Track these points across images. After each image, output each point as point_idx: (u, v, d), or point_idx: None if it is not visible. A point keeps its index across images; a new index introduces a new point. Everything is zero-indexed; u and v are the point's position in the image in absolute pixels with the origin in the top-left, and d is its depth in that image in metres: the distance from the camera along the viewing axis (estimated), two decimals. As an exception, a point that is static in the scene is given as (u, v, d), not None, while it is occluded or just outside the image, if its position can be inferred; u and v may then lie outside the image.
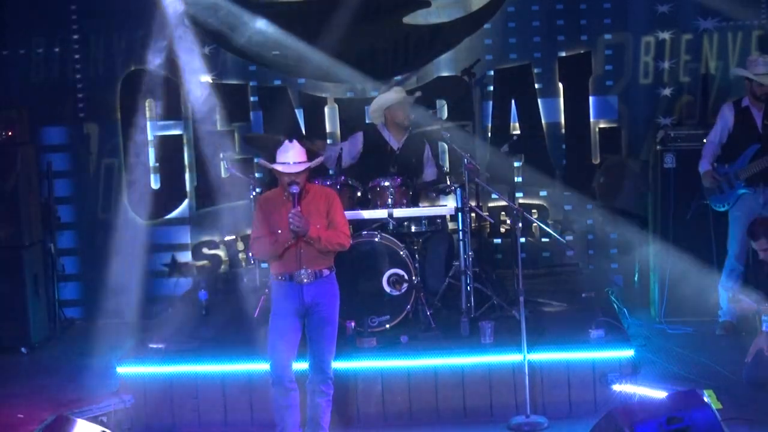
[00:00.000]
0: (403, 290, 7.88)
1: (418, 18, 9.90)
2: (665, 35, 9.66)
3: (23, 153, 9.32)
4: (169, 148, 10.11)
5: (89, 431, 6.30)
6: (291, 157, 6.69)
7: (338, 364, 7.05)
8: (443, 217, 8.60)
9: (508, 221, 9.68)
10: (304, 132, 9.82)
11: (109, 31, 9.87)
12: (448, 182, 8.36)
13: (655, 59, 9.70)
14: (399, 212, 8.11)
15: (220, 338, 8.10)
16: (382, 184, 8.18)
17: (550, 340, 7.60)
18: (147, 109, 10.04)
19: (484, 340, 7.57)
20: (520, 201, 9.58)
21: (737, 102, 8.52)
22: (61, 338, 9.54)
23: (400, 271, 7.88)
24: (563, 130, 9.90)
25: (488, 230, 9.89)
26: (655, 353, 8.05)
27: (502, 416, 7.27)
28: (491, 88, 9.91)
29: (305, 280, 6.70)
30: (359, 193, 8.27)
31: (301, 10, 9.90)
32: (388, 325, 7.86)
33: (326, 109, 10.01)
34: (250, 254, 9.00)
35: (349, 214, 7.43)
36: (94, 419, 7.20)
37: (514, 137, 9.65)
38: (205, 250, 10.15)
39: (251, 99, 10.06)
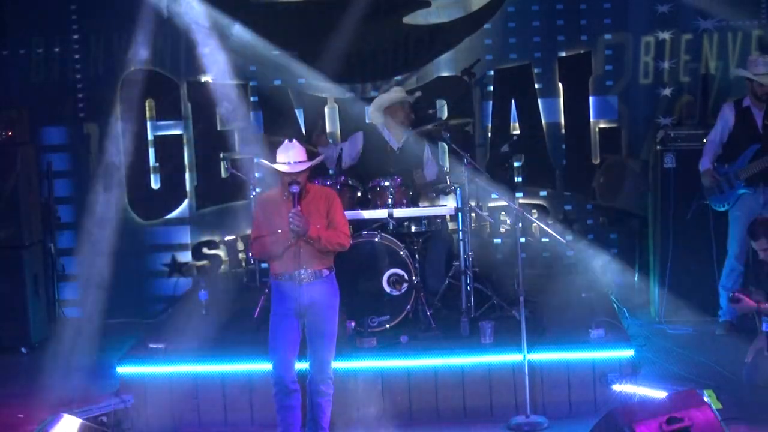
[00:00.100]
0: (403, 290, 7.87)
1: (418, 18, 9.91)
2: (665, 35, 9.66)
3: (23, 153, 9.32)
4: (169, 148, 10.11)
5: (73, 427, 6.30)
6: (291, 156, 6.69)
7: (338, 364, 7.05)
8: (443, 217, 8.60)
9: (508, 221, 9.68)
10: (304, 132, 9.82)
11: (109, 31, 9.86)
12: (448, 182, 8.35)
13: (655, 59, 9.71)
14: (399, 212, 8.11)
15: (220, 338, 8.09)
16: (382, 184, 8.18)
17: (550, 340, 7.60)
18: (147, 109, 10.05)
19: (484, 340, 7.57)
20: (520, 201, 9.58)
21: (738, 102, 8.52)
22: (61, 338, 9.53)
23: (400, 271, 7.88)
24: (563, 130, 9.91)
25: (488, 230, 9.89)
26: (655, 353, 8.05)
27: (502, 416, 7.26)
28: (491, 88, 9.92)
29: (305, 280, 6.70)
30: (359, 193, 8.27)
31: (300, 11, 9.89)
32: (388, 325, 7.86)
33: (326, 109, 10.02)
34: (250, 254, 9.00)
35: (349, 214, 7.43)
36: (94, 419, 7.22)
37: (514, 137, 9.66)
38: (205, 250, 10.16)
39: (251, 99, 10.06)
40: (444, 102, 9.90)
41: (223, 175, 9.89)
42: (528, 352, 7.22)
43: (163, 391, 7.52)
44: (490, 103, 9.92)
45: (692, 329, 8.66)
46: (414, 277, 7.87)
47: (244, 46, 9.81)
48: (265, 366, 7.12)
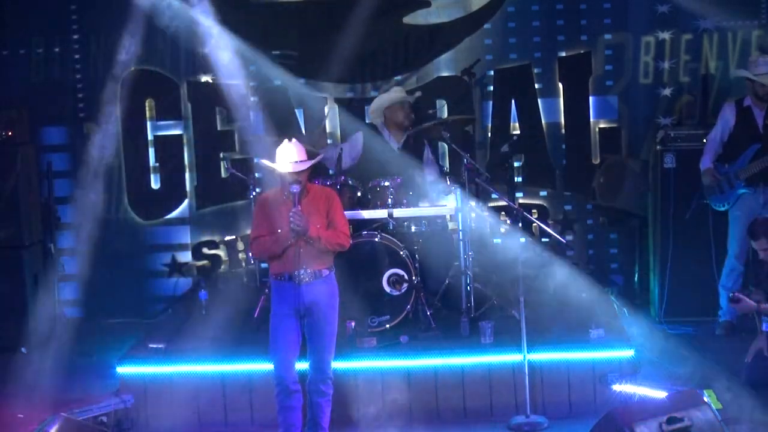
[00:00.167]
0: (403, 290, 7.87)
1: (418, 18, 9.90)
2: (665, 35, 9.66)
3: (23, 153, 9.33)
4: (169, 148, 10.11)
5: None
6: (292, 156, 6.69)
7: (338, 364, 7.05)
8: (443, 217, 8.60)
9: (508, 221, 9.68)
10: (303, 132, 9.83)
11: (109, 31, 9.86)
12: (448, 182, 8.35)
13: (655, 59, 9.70)
14: (399, 212, 8.11)
15: (220, 338, 8.09)
16: (382, 184, 8.18)
17: (550, 340, 7.60)
18: (147, 109, 10.05)
19: (484, 340, 7.57)
20: (520, 201, 9.58)
21: (739, 101, 8.52)
22: (61, 338, 9.53)
23: (400, 271, 7.88)
24: (563, 130, 9.90)
25: (488, 230, 9.87)
26: (655, 353, 8.05)
27: (502, 416, 7.27)
28: (491, 88, 9.92)
29: (305, 280, 6.70)
30: (359, 193, 8.26)
31: (300, 11, 9.89)
32: (388, 325, 7.86)
33: (326, 109, 10.01)
34: (250, 254, 9.00)
35: (349, 214, 7.43)
36: (94, 419, 7.22)
37: (514, 137, 9.66)
38: (205, 250, 10.16)
39: (251, 99, 10.06)
40: (444, 102, 9.90)
41: (223, 175, 9.90)
42: (528, 352, 7.22)
43: (163, 391, 7.51)
44: (490, 103, 9.92)
45: (692, 329, 8.66)
46: (414, 277, 7.87)
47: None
48: (265, 366, 7.13)
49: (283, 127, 9.52)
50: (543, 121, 9.88)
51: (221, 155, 9.95)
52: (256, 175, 9.49)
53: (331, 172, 8.65)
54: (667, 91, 9.69)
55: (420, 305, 7.92)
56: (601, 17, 9.78)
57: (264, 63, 9.80)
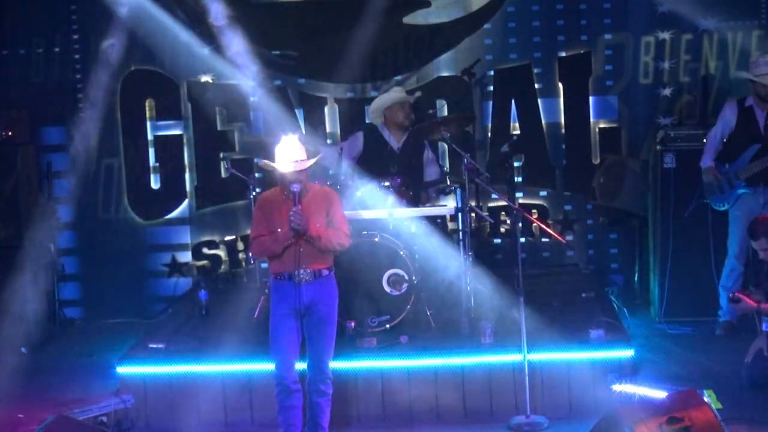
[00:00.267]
0: (403, 290, 7.87)
1: (418, 18, 9.90)
2: (665, 35, 9.66)
3: (23, 153, 9.32)
4: (169, 148, 10.11)
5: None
6: (291, 155, 6.68)
7: (338, 364, 7.05)
8: (443, 217, 8.60)
9: (508, 221, 9.68)
10: (303, 132, 9.82)
11: (109, 31, 9.85)
12: (448, 182, 8.35)
13: (655, 59, 9.70)
14: (399, 212, 8.11)
15: (220, 338, 8.09)
16: (382, 184, 8.18)
17: (550, 340, 7.60)
18: (147, 109, 10.05)
19: (484, 340, 7.57)
20: (520, 201, 9.58)
21: (741, 101, 8.51)
22: (61, 338, 9.53)
23: (400, 271, 7.88)
24: (563, 130, 9.90)
25: (488, 230, 9.89)
26: (655, 353, 8.05)
27: (502, 416, 7.26)
28: (491, 88, 9.92)
29: (304, 280, 6.69)
30: (359, 193, 8.25)
31: (300, 10, 9.89)
32: (388, 325, 7.85)
33: (326, 109, 10.02)
34: (250, 254, 9.00)
35: (349, 214, 7.43)
36: (94, 419, 7.22)
37: (514, 137, 9.66)
38: (205, 250, 10.16)
39: (251, 99, 10.06)
40: (444, 102, 9.90)
41: (223, 175, 9.90)
42: (528, 352, 7.22)
43: (162, 391, 7.51)
44: (490, 103, 9.92)
45: (692, 329, 8.66)
46: (414, 277, 7.87)
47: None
48: (265, 366, 7.13)
49: (283, 127, 9.52)
50: (543, 121, 9.88)
51: (221, 155, 9.95)
52: (256, 175, 9.50)
53: (331, 172, 8.66)
54: (667, 91, 9.69)
55: (420, 305, 7.92)
56: (601, 17, 9.78)
57: (264, 63, 9.83)
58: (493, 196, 9.06)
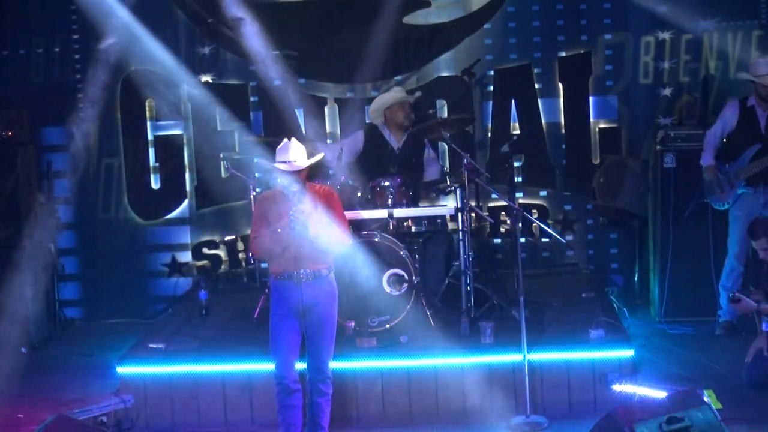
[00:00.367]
0: (403, 290, 7.87)
1: (418, 18, 9.90)
2: (665, 35, 9.66)
3: (23, 153, 9.32)
4: (169, 148, 10.11)
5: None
6: (291, 155, 6.69)
7: (338, 364, 7.05)
8: (443, 217, 8.60)
9: (508, 221, 9.68)
10: (303, 132, 9.83)
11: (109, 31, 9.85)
12: (448, 182, 8.35)
13: (655, 59, 9.70)
14: (399, 212, 8.11)
15: (220, 338, 8.10)
16: (382, 184, 8.18)
17: (550, 340, 7.60)
18: (147, 109, 10.05)
19: (484, 340, 7.57)
20: (520, 201, 9.58)
21: (743, 100, 8.50)
22: (61, 338, 9.53)
23: (400, 271, 7.88)
24: (563, 130, 9.90)
25: (488, 230, 9.89)
26: (655, 353, 8.05)
27: (502, 416, 7.26)
28: (491, 88, 9.91)
29: (304, 280, 6.69)
30: (359, 193, 8.26)
31: (300, 10, 9.89)
32: (388, 325, 7.85)
33: (326, 109, 10.02)
34: (250, 254, 9.00)
35: (349, 214, 7.43)
36: (94, 419, 7.22)
37: (514, 137, 9.66)
38: (205, 250, 10.16)
39: (251, 99, 10.07)
40: (444, 102, 9.90)
41: (223, 175, 9.89)
42: (528, 352, 7.22)
43: (163, 391, 7.51)
44: (490, 103, 9.92)
45: (692, 329, 8.65)
46: (414, 277, 7.87)
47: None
48: (265, 366, 7.13)
49: (283, 127, 9.53)
50: (543, 121, 9.88)
51: (221, 155, 9.95)
52: (256, 175, 9.50)
53: (331, 172, 8.66)
54: (667, 91, 9.68)
55: (420, 305, 7.92)
56: (601, 17, 9.78)
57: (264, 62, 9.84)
58: (493, 196, 9.06)
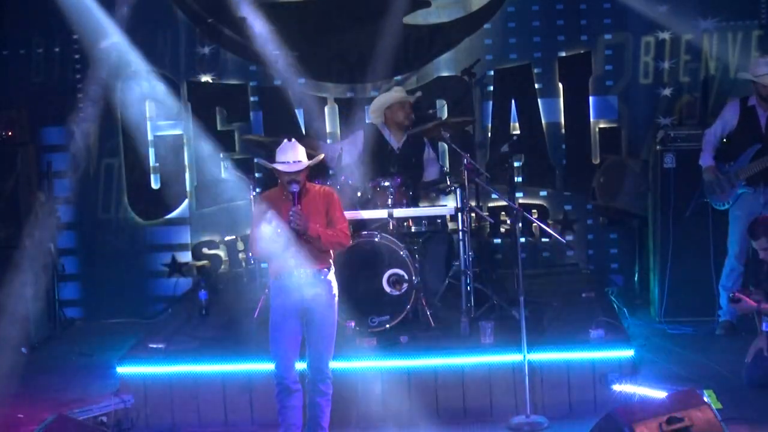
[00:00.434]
0: (403, 290, 7.87)
1: (418, 18, 9.90)
2: (665, 35, 9.66)
3: (23, 153, 9.32)
4: (169, 148, 10.11)
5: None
6: (291, 156, 6.69)
7: (338, 364, 7.05)
8: (443, 217, 8.60)
9: (508, 221, 9.68)
10: (303, 132, 9.83)
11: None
12: (448, 182, 8.35)
13: (655, 59, 9.70)
14: (399, 212, 8.11)
15: (220, 338, 8.10)
16: (382, 184, 8.18)
17: (550, 340, 7.60)
18: (147, 109, 10.05)
19: (484, 340, 7.57)
20: (520, 201, 9.58)
21: (744, 100, 8.50)
22: (61, 338, 9.53)
23: (400, 271, 7.88)
24: (563, 130, 9.90)
25: (488, 230, 9.89)
26: (655, 353, 8.05)
27: (502, 416, 7.26)
28: (491, 88, 9.92)
29: (304, 280, 6.70)
30: (359, 193, 8.26)
31: (300, 10, 9.89)
32: (388, 325, 7.85)
33: (326, 109, 10.02)
34: (250, 254, 9.00)
35: (349, 214, 7.43)
36: (94, 419, 7.22)
37: (514, 137, 9.66)
38: (205, 250, 10.16)
39: (251, 99, 10.07)
40: (444, 102, 9.90)
41: (223, 175, 9.89)
42: (528, 352, 7.22)
43: (163, 391, 7.51)
44: (490, 103, 9.92)
45: (692, 329, 8.65)
46: (414, 277, 7.87)
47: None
48: (265, 366, 7.13)
49: (283, 127, 9.54)
50: (543, 121, 9.88)
51: (221, 155, 9.95)
52: (256, 175, 9.50)
53: (331, 172, 8.66)
54: (667, 91, 9.69)
55: (420, 305, 7.93)
56: (601, 17, 9.78)
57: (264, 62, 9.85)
58: (493, 196, 9.06)
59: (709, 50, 9.63)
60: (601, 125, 9.87)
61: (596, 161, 9.84)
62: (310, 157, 6.88)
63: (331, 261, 6.85)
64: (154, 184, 10.12)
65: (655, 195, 9.04)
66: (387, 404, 7.38)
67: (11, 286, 9.01)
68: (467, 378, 7.40)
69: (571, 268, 9.86)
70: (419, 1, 9.86)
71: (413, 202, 8.31)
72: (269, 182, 9.00)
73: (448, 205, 8.62)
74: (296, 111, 9.97)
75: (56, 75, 10.02)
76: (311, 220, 6.66)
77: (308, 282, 6.70)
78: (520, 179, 9.77)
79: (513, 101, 9.89)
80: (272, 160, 6.79)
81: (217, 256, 10.14)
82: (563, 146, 9.93)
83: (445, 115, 9.76)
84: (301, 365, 6.90)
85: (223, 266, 10.13)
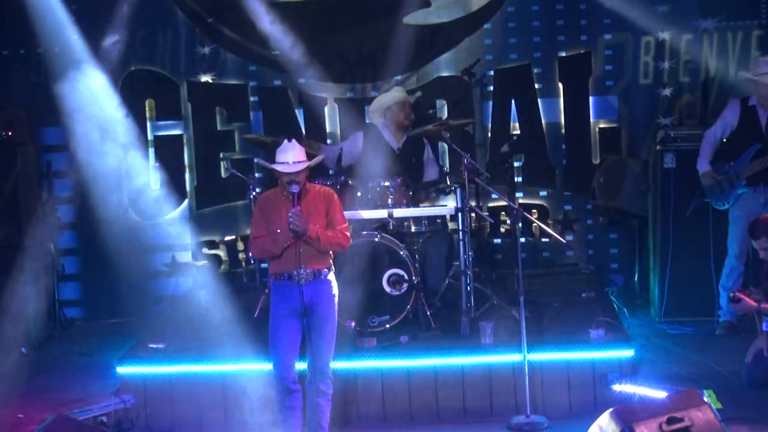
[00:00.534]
0: (403, 290, 7.87)
1: (418, 18, 9.90)
2: (665, 35, 9.65)
3: (23, 153, 9.31)
4: (169, 148, 10.11)
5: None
6: (290, 156, 6.69)
7: (338, 364, 7.05)
8: (443, 217, 8.60)
9: (508, 221, 9.68)
10: (303, 132, 9.83)
11: (108, 31, 9.84)
12: (448, 182, 8.35)
13: (655, 59, 9.70)
14: (399, 212, 8.11)
15: (220, 338, 8.09)
16: (382, 184, 8.18)
17: (550, 340, 7.60)
18: (147, 109, 10.05)
19: (484, 340, 7.57)
20: (520, 201, 9.58)
21: (744, 100, 8.49)
22: (61, 338, 9.53)
23: (400, 271, 7.88)
24: (563, 130, 9.90)
25: (488, 230, 9.89)
26: (655, 353, 8.05)
27: (502, 416, 7.27)
28: (491, 88, 9.91)
29: (304, 280, 6.70)
30: (359, 193, 8.26)
31: (301, 10, 9.89)
32: (388, 325, 7.85)
33: (326, 109, 10.02)
34: (250, 254, 9.00)
35: (349, 214, 7.43)
36: (94, 419, 7.22)
37: (514, 137, 9.66)
38: (205, 250, 10.16)
39: (251, 99, 10.07)
40: (444, 102, 9.90)
41: (223, 175, 9.90)
42: (528, 352, 7.22)
43: (163, 391, 7.51)
44: (490, 103, 9.92)
45: (692, 329, 8.65)
46: (414, 277, 7.87)
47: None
48: (265, 366, 7.13)
49: (283, 127, 9.54)
50: (543, 121, 9.88)
51: (221, 155, 9.95)
52: (256, 175, 9.50)
53: (331, 172, 8.65)
54: (667, 91, 9.69)
55: (420, 305, 7.93)
56: (601, 17, 9.77)
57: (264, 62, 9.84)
58: (493, 196, 9.05)
59: (709, 50, 9.63)
60: (601, 125, 9.87)
61: (596, 161, 9.84)
62: (310, 157, 6.88)
63: (331, 261, 6.85)
64: (154, 184, 10.11)
65: (655, 195, 9.04)
66: (387, 404, 7.39)
67: (11, 285, 9.02)
68: (467, 378, 7.40)
69: (571, 268, 9.86)
70: (419, 1, 9.85)
71: (413, 202, 8.31)
72: (269, 182, 9.00)
73: (448, 205, 8.62)
74: (296, 111, 9.97)
75: (56, 75, 10.00)
76: (311, 221, 6.66)
77: (308, 282, 6.70)
78: (520, 179, 9.77)
79: (513, 101, 9.89)
80: (272, 160, 6.79)
81: (217, 256, 10.14)
82: (563, 146, 9.93)
83: (445, 115, 9.76)
84: (301, 365, 6.90)
85: (223, 266, 10.13)
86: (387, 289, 7.88)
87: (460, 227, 8.09)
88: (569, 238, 9.79)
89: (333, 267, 6.87)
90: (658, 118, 9.62)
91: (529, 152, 9.84)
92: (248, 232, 7.94)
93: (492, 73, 9.90)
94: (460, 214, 8.08)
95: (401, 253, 7.90)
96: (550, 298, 8.64)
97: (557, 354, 7.42)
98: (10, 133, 9.26)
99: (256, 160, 9.36)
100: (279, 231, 6.69)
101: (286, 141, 6.77)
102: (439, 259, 8.40)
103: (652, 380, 7.31)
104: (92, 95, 9.32)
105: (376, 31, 9.72)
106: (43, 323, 9.39)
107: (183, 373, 7.55)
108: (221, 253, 10.15)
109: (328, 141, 9.77)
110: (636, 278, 9.72)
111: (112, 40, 9.59)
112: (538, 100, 9.86)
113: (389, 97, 8.87)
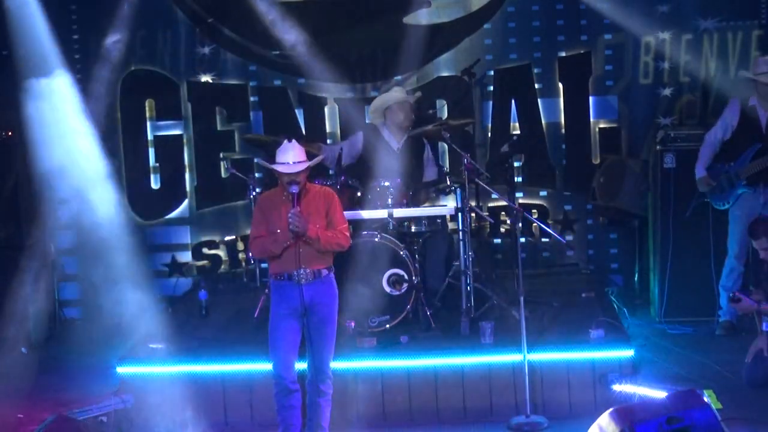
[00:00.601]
0: (403, 290, 7.87)
1: (418, 18, 9.90)
2: (665, 35, 9.65)
3: (23, 153, 9.29)
4: (169, 148, 10.11)
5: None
6: (290, 157, 6.69)
7: (338, 364, 7.05)
8: (443, 217, 8.60)
9: (508, 221, 9.68)
10: (303, 132, 9.83)
11: (108, 31, 9.84)
12: (448, 182, 8.35)
13: (655, 59, 9.70)
14: (399, 212, 8.11)
15: (220, 338, 8.10)
16: (382, 184, 8.18)
17: (550, 340, 7.60)
18: (147, 109, 10.05)
19: (484, 340, 7.57)
20: (520, 201, 9.58)
21: (744, 100, 8.50)
22: (61, 338, 9.53)
23: (400, 271, 7.88)
24: (563, 130, 9.90)
25: (488, 230, 9.89)
26: (655, 353, 8.05)
27: (502, 416, 7.26)
28: (491, 88, 9.92)
29: (304, 280, 6.70)
30: (359, 193, 8.26)
31: (301, 10, 9.89)
32: (388, 325, 7.85)
33: (326, 109, 10.02)
34: (250, 254, 9.00)
35: (349, 214, 7.43)
36: (94, 419, 7.22)
37: (514, 137, 9.66)
38: (205, 250, 10.16)
39: (251, 99, 10.07)
40: (444, 102, 9.90)
41: (223, 175, 9.90)
42: (528, 352, 7.22)
43: (163, 391, 7.51)
44: (490, 103, 9.92)
45: (692, 329, 8.66)
46: (414, 277, 7.87)
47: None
48: (265, 366, 7.12)
49: (283, 127, 9.54)
50: (543, 121, 9.88)
51: (221, 155, 9.95)
52: (256, 175, 9.50)
53: (331, 172, 8.65)
54: (667, 91, 9.69)
55: (420, 305, 7.93)
56: (601, 17, 9.76)
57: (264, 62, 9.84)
58: (493, 196, 9.04)
59: (709, 50, 9.63)
60: (601, 125, 9.87)
61: (596, 161, 9.84)
62: (310, 157, 6.88)
63: (331, 261, 6.85)
64: (154, 184, 10.12)
65: (655, 195, 9.04)
66: (387, 404, 7.39)
67: (11, 285, 9.02)
68: (467, 378, 7.39)
69: (571, 268, 9.86)
70: (419, 1, 9.85)
71: (413, 202, 8.31)
72: (269, 182, 9.01)
73: (448, 205, 8.62)
74: (296, 111, 9.97)
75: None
76: (311, 221, 6.66)
77: (308, 282, 6.70)
78: (520, 179, 9.77)
79: (513, 101, 9.89)
80: (272, 160, 6.79)
81: (217, 256, 10.14)
82: (563, 146, 9.93)
83: (445, 115, 9.76)
84: (300, 365, 6.90)
85: (223, 266, 10.13)
86: (387, 289, 7.88)
87: (460, 227, 8.09)
88: (569, 238, 9.79)
89: (333, 267, 6.87)
90: (658, 118, 9.62)
91: (529, 152, 9.85)
92: (248, 232, 7.94)
93: (492, 73, 9.91)
94: (460, 214, 8.07)
95: (401, 253, 7.90)
96: (550, 298, 8.63)
97: (557, 354, 7.41)
98: (10, 133, 9.25)
99: (256, 160, 9.36)
100: (279, 231, 6.69)
101: (286, 141, 6.77)
102: (439, 259, 8.39)
103: (652, 380, 7.30)
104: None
105: (376, 31, 9.73)
106: (43, 323, 9.38)
107: (183, 373, 7.55)
108: (221, 253, 10.15)
109: (328, 141, 9.77)
110: (636, 278, 9.72)
111: (112, 40, 9.58)
112: (538, 100, 9.86)
113: (389, 97, 8.86)
